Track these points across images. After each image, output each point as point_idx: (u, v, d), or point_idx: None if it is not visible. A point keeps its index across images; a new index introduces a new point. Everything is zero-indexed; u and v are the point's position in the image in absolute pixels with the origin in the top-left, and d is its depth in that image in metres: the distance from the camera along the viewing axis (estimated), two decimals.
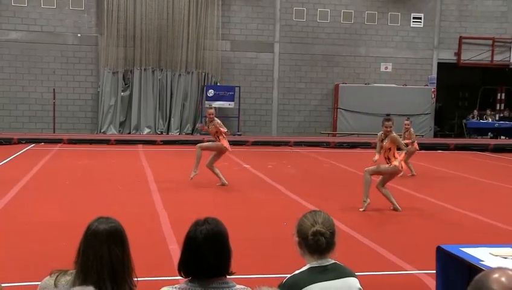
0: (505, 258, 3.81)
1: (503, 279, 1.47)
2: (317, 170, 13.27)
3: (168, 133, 20.34)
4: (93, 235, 2.43)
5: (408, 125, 12.49)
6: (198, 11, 20.40)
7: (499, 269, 1.53)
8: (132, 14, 19.94)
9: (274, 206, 8.78)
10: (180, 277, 2.58)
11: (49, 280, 2.46)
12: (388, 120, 8.66)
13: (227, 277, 2.56)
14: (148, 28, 20.03)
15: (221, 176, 10.28)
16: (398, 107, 20.99)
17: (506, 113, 23.39)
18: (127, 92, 20.36)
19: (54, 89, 19.82)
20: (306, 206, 8.38)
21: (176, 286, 2.52)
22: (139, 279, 2.55)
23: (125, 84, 20.38)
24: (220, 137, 10.34)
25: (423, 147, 18.45)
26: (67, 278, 2.43)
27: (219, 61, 20.77)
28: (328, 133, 21.26)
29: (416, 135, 20.80)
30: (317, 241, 2.76)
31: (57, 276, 2.45)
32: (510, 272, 1.50)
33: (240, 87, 20.70)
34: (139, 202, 8.70)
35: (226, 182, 10.22)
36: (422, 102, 21.59)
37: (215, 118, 10.49)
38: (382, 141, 8.64)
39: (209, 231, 2.52)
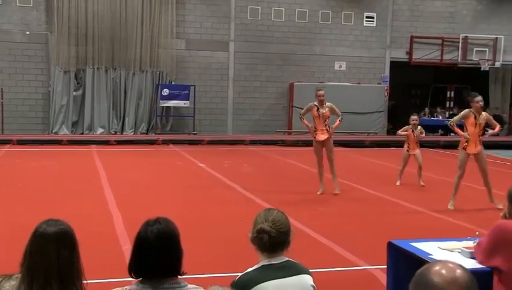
0: (452, 251, 3.94)
1: (443, 271, 1.55)
2: (273, 168, 13.34)
3: (122, 133, 20.05)
4: (41, 238, 2.37)
5: (416, 120, 11.39)
6: (152, 9, 20.16)
7: (440, 261, 1.60)
8: (84, 12, 19.53)
9: (229, 205, 8.77)
10: (131, 278, 2.55)
11: None
12: (476, 96, 8.61)
13: (179, 277, 2.55)
14: (101, 26, 19.66)
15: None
16: (352, 105, 21.29)
17: (455, 111, 24.05)
18: (80, 92, 19.94)
19: (1, 88, 19.24)
20: (261, 204, 8.41)
21: (126, 287, 2.49)
22: (89, 281, 2.50)
23: (78, 84, 19.96)
24: (326, 126, 9.55)
25: (376, 144, 18.85)
26: (12, 283, 2.36)
27: (174, 60, 20.59)
28: (284, 132, 21.40)
29: (369, 133, 21.39)
30: (261, 239, 2.78)
31: (1, 281, 2.38)
32: (450, 265, 1.57)
33: (195, 86, 20.57)
34: (92, 202, 8.56)
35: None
36: (375, 100, 21.98)
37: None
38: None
39: (160, 231, 2.51)
